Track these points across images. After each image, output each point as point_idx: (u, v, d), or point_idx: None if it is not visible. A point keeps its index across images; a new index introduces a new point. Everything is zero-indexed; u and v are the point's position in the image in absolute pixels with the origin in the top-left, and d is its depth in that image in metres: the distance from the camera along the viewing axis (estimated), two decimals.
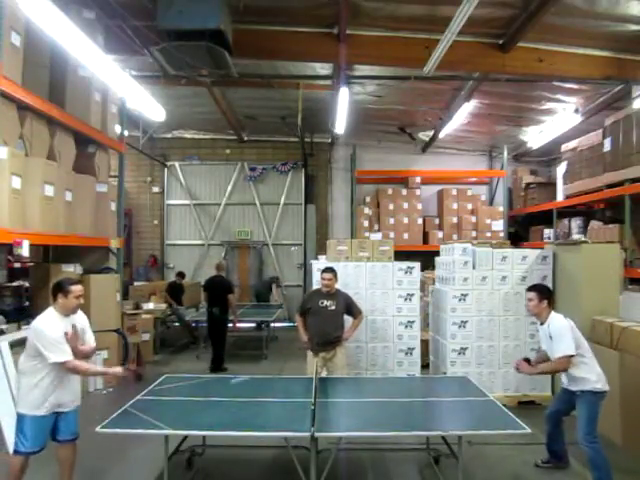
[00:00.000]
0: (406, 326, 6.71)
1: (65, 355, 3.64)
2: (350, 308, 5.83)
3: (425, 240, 12.42)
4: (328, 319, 5.66)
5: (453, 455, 4.18)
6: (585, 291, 5.98)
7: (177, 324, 10.87)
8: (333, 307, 5.67)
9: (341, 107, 8.60)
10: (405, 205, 12.53)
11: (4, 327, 5.88)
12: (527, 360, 4.50)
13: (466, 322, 6.48)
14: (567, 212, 10.46)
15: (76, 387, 3.94)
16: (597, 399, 4.14)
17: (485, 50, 7.44)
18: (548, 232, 11.04)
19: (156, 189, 13.67)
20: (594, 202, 9.81)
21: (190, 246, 13.64)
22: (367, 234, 12.00)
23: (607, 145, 8.48)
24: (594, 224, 9.27)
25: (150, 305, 9.68)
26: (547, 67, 7.50)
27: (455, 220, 12.57)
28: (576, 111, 9.36)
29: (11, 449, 3.88)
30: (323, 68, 8.52)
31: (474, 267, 6.56)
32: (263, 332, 9.72)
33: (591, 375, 4.14)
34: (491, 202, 13.38)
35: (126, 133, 8.97)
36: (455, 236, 12.14)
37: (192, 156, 13.60)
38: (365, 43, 7.42)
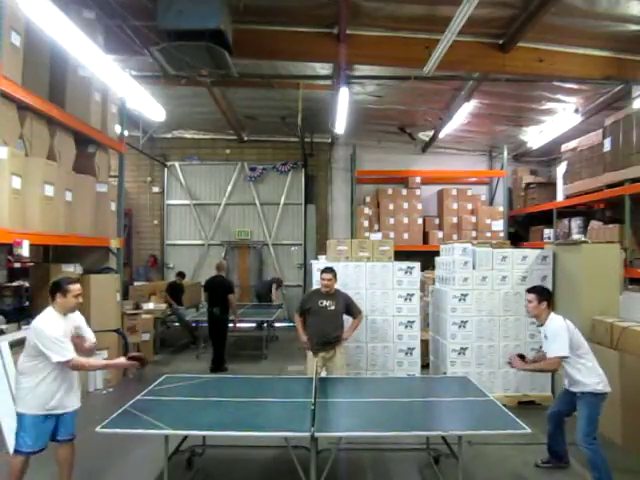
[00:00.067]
0: (406, 326, 6.71)
1: (68, 353, 3.65)
2: (350, 308, 5.83)
3: (425, 240, 12.42)
4: (328, 319, 5.66)
5: (453, 455, 4.18)
6: (585, 291, 5.98)
7: (177, 324, 10.87)
8: (333, 307, 5.67)
9: (341, 107, 8.60)
10: (405, 205, 12.53)
11: (4, 327, 5.89)
12: (521, 357, 4.51)
13: (466, 322, 6.48)
14: (567, 212, 10.45)
15: (77, 389, 3.94)
16: (597, 400, 4.13)
17: (485, 50, 7.44)
18: (548, 232, 11.04)
19: (156, 189, 13.66)
20: (594, 202, 9.81)
21: (190, 246, 13.64)
22: (367, 234, 12.00)
23: (607, 145, 8.48)
24: (594, 224, 9.27)
25: (150, 305, 9.68)
26: (547, 67, 7.50)
27: (455, 220, 12.56)
28: (576, 111, 9.36)
29: (11, 449, 3.88)
30: (323, 68, 8.52)
31: (474, 267, 6.56)
32: (263, 332, 9.72)
33: (591, 377, 4.14)
34: (491, 202, 13.38)
35: (126, 133, 8.97)
36: (455, 236, 12.14)
37: (192, 156, 13.60)
38: (365, 43, 7.42)
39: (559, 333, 4.19)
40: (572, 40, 7.29)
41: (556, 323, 4.27)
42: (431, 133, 11.98)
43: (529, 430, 3.58)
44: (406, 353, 6.71)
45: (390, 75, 8.44)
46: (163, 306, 10.05)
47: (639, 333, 5.10)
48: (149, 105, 8.13)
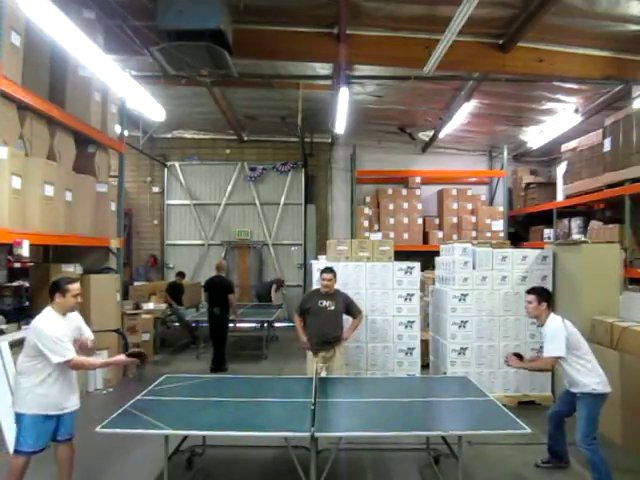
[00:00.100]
0: (406, 326, 6.71)
1: (68, 353, 3.64)
2: (349, 308, 5.84)
3: (425, 240, 12.42)
4: (327, 319, 5.67)
5: (453, 455, 4.18)
6: (585, 291, 5.98)
7: (177, 324, 10.87)
8: (332, 307, 5.68)
9: (341, 107, 8.60)
10: (405, 205, 12.53)
11: (4, 327, 5.89)
12: (518, 356, 4.52)
13: (466, 322, 6.48)
14: (567, 212, 10.45)
15: (76, 389, 3.94)
16: (597, 401, 4.13)
17: (485, 50, 7.44)
18: (548, 232, 11.04)
19: (156, 189, 13.66)
20: (594, 202, 9.80)
21: (190, 246, 13.64)
22: (367, 234, 11.99)
23: (607, 145, 8.48)
24: (594, 224, 9.26)
25: (150, 305, 9.68)
26: (547, 67, 7.50)
27: (455, 220, 12.56)
28: (576, 111, 9.36)
29: (11, 449, 3.87)
30: (323, 68, 8.52)
31: (474, 267, 6.56)
32: (263, 332, 9.72)
33: (590, 378, 4.14)
34: (491, 202, 13.38)
35: (126, 133, 8.97)
36: (455, 236, 12.14)
37: (192, 156, 13.60)
38: (365, 43, 7.42)
39: (556, 334, 4.21)
40: (572, 40, 7.29)
41: (554, 324, 4.29)
42: (431, 133, 11.98)
43: (529, 430, 3.58)
44: (406, 353, 6.71)
45: (390, 75, 8.44)
46: (163, 306, 10.05)
47: (639, 333, 5.10)
48: (149, 105, 8.13)
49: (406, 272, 6.75)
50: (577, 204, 9.88)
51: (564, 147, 10.27)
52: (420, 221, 12.51)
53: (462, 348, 6.47)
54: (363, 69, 8.38)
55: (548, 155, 12.49)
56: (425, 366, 7.30)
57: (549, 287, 6.36)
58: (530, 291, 4.52)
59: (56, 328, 3.66)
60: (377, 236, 11.85)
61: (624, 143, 7.97)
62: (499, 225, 12.43)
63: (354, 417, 4.10)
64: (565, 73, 7.76)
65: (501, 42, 7.37)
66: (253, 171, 13.43)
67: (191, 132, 13.32)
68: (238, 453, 4.75)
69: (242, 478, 4.53)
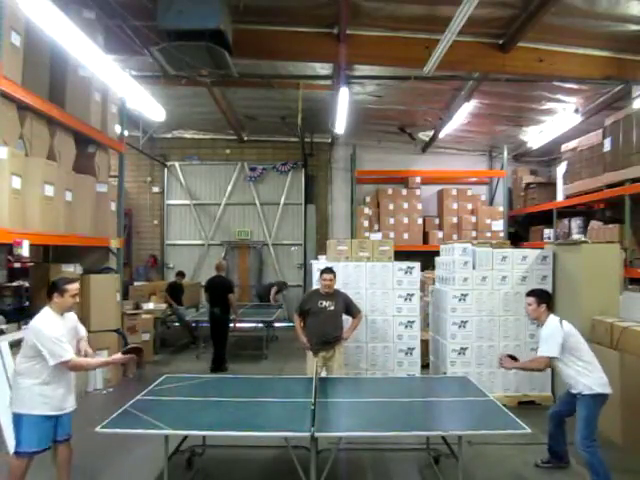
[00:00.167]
0: (406, 326, 6.71)
1: (66, 354, 3.63)
2: (349, 308, 5.84)
3: (425, 240, 12.41)
4: (327, 320, 5.67)
5: (453, 455, 4.18)
6: (585, 291, 5.98)
7: (177, 324, 10.87)
8: (332, 307, 5.68)
9: (341, 107, 8.60)
10: (405, 205, 12.52)
11: (4, 327, 5.89)
12: (512, 357, 4.52)
13: (466, 322, 6.48)
14: (567, 212, 10.45)
15: (73, 389, 3.93)
16: (595, 402, 4.13)
17: (485, 50, 7.44)
18: (548, 232, 11.04)
19: (156, 189, 13.66)
20: (594, 202, 9.80)
21: (190, 246, 13.64)
22: (367, 234, 11.99)
23: (607, 145, 8.48)
24: (594, 224, 9.26)
25: (150, 305, 9.68)
26: (547, 67, 7.50)
27: (455, 220, 12.56)
28: (576, 111, 9.36)
29: (11, 449, 3.86)
30: (323, 68, 8.52)
31: (474, 267, 6.56)
32: (263, 332, 9.72)
33: (589, 378, 4.14)
34: (491, 202, 13.38)
35: (126, 133, 8.97)
36: (455, 236, 12.14)
37: (192, 156, 13.60)
38: (365, 43, 7.42)
39: (551, 334, 4.23)
40: (572, 40, 7.29)
41: (550, 324, 4.31)
42: (431, 133, 11.98)
43: (529, 430, 3.59)
44: (406, 353, 6.71)
45: (390, 75, 8.44)
46: (163, 306, 10.06)
47: (639, 333, 5.10)
48: (149, 105, 8.13)
49: (406, 272, 6.75)
50: (577, 204, 9.88)
51: (564, 147, 10.27)
52: (420, 221, 12.51)
53: (462, 348, 6.47)
54: (363, 69, 8.38)
55: (548, 155, 12.49)
56: (425, 366, 7.30)
57: (549, 287, 6.37)
58: (530, 293, 4.54)
59: (55, 328, 3.65)
60: (377, 236, 11.85)
61: (624, 143, 7.97)
62: (499, 225, 12.43)
63: (354, 417, 4.10)
64: (565, 73, 7.76)
65: (501, 42, 7.37)
66: (253, 171, 13.44)
67: (191, 132, 13.32)
68: (238, 453, 4.75)
69: (242, 478, 4.53)
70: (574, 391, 4.23)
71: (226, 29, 6.05)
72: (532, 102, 9.53)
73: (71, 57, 6.05)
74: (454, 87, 9.12)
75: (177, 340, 10.60)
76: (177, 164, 13.60)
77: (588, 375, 4.15)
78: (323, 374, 5.55)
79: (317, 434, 3.47)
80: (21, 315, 6.82)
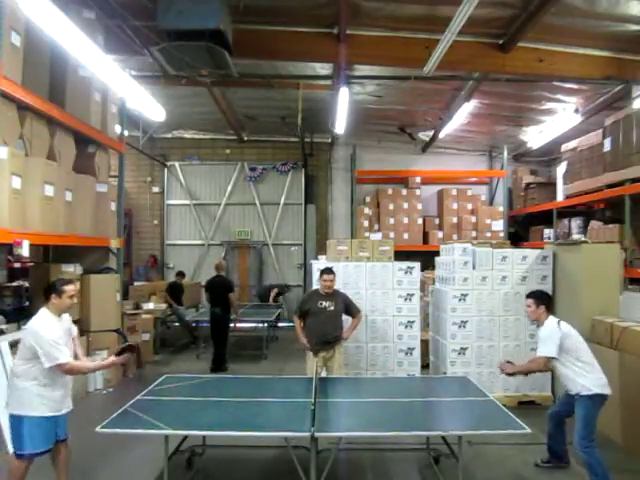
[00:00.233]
0: (406, 326, 6.71)
1: (62, 357, 3.60)
2: (349, 308, 5.84)
3: (425, 240, 12.41)
4: (327, 320, 5.66)
5: (453, 455, 4.18)
6: (585, 291, 5.98)
7: (177, 324, 10.87)
8: (332, 308, 5.68)
9: (341, 107, 8.60)
10: (405, 205, 12.52)
11: (4, 327, 5.89)
12: (509, 363, 4.55)
13: (466, 322, 6.48)
14: (567, 212, 10.45)
15: (70, 390, 3.92)
16: (594, 403, 4.13)
17: (485, 50, 7.44)
18: (548, 232, 11.04)
19: (156, 189, 13.66)
20: (594, 202, 9.81)
21: (190, 246, 13.64)
22: (367, 234, 12.00)
23: (607, 145, 8.48)
24: (594, 224, 9.27)
25: (150, 305, 9.68)
26: (547, 67, 7.50)
27: (455, 220, 12.56)
28: (576, 111, 9.36)
29: (11, 449, 3.86)
30: (323, 68, 8.52)
31: (474, 267, 6.56)
32: (263, 332, 9.72)
33: (587, 379, 4.14)
34: (491, 202, 13.38)
35: (126, 133, 8.98)
36: (455, 236, 12.14)
37: (192, 156, 13.61)
38: (365, 43, 7.42)
39: (549, 335, 4.25)
40: (572, 40, 7.29)
41: (549, 325, 4.32)
42: (431, 133, 11.98)
43: (529, 430, 3.59)
44: (406, 353, 6.71)
45: (390, 75, 8.44)
46: (163, 306, 10.06)
47: (639, 333, 5.10)
48: (149, 105, 8.13)
49: (406, 272, 6.75)
50: (577, 204, 9.89)
51: (564, 147, 10.27)
52: (420, 221, 12.51)
53: (462, 348, 6.47)
54: (363, 69, 8.38)
55: (548, 155, 12.49)
56: (425, 366, 7.30)
57: (549, 287, 6.38)
58: (529, 295, 4.56)
59: (52, 331, 3.63)
60: (377, 236, 11.85)
61: (624, 143, 7.97)
62: (499, 225, 12.43)
63: (354, 417, 4.10)
64: (565, 73, 7.76)
65: (501, 42, 7.37)
66: (253, 171, 13.44)
67: (191, 132, 13.33)
68: (238, 453, 4.75)
69: (242, 478, 4.53)
70: (572, 392, 4.24)
71: (226, 29, 6.05)
72: (532, 102, 9.53)
73: (71, 57, 6.05)
74: (454, 87, 9.12)
75: (177, 340, 10.60)
76: (177, 164, 13.60)
77: (585, 376, 4.15)
78: (323, 374, 5.55)
79: (317, 434, 3.47)
80: (21, 315, 6.82)
